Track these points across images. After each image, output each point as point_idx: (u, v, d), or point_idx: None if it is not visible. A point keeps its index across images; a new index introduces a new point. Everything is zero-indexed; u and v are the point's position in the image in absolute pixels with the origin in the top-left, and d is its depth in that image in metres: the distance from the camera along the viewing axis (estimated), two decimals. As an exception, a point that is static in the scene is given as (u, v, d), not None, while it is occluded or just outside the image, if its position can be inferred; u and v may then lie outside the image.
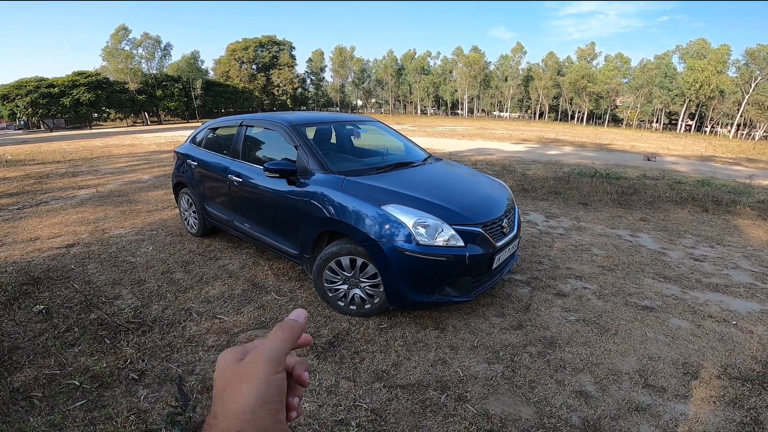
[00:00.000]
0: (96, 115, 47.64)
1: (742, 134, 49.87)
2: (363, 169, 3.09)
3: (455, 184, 3.19)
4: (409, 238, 2.41)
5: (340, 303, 2.86)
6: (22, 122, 42.84)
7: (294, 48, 67.89)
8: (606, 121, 62.04)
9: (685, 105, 52.74)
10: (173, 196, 5.07)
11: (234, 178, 3.60)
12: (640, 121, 60.40)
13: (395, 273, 2.46)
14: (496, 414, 2.03)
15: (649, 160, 14.14)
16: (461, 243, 2.47)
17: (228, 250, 4.22)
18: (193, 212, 4.52)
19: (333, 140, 3.93)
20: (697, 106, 52.97)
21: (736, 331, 2.86)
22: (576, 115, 65.34)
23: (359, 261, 2.65)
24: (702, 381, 2.32)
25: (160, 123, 49.65)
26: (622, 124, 61.23)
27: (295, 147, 3.12)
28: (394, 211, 2.48)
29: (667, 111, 57.51)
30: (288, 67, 66.53)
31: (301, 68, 74.37)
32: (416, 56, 74.20)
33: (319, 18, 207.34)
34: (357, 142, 4.12)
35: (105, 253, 4.18)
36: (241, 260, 3.96)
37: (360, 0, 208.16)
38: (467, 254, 2.47)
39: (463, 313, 2.96)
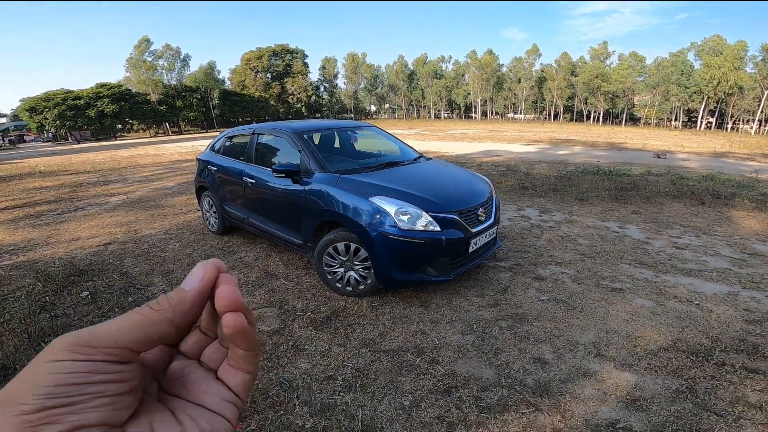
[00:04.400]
0: (120, 126, 49.77)
1: (765, 130, 48.36)
2: (357, 168, 3.54)
3: (437, 179, 3.61)
4: (392, 224, 2.84)
5: (338, 285, 3.30)
6: (50, 134, 45.09)
7: (306, 56, 69.49)
8: (623, 121, 61.00)
9: (703, 102, 51.58)
10: (196, 199, 5.62)
11: (248, 180, 4.10)
12: (659, 119, 59.20)
13: (381, 254, 2.88)
14: (461, 374, 2.40)
15: (659, 157, 14.15)
16: (438, 228, 2.88)
17: (244, 245, 4.72)
18: (214, 212, 5.04)
19: (333, 144, 4.40)
20: (717, 102, 51.74)
21: (696, 310, 3.10)
22: (592, 115, 64.53)
23: (353, 246, 3.10)
24: (650, 353, 2.57)
25: (180, 133, 51.52)
26: (639, 122, 60.08)
27: (299, 151, 3.59)
28: (380, 201, 2.91)
29: (686, 108, 56.28)
30: (301, 75, 68.07)
31: (314, 76, 75.75)
32: (428, 61, 74.69)
33: (329, 25, 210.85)
34: (355, 146, 4.58)
35: (138, 250, 4.74)
36: (256, 253, 4.45)
37: (371, 0, 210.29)
38: (443, 238, 2.87)
39: (446, 294, 3.35)
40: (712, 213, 6.07)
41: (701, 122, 53.88)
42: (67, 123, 41.84)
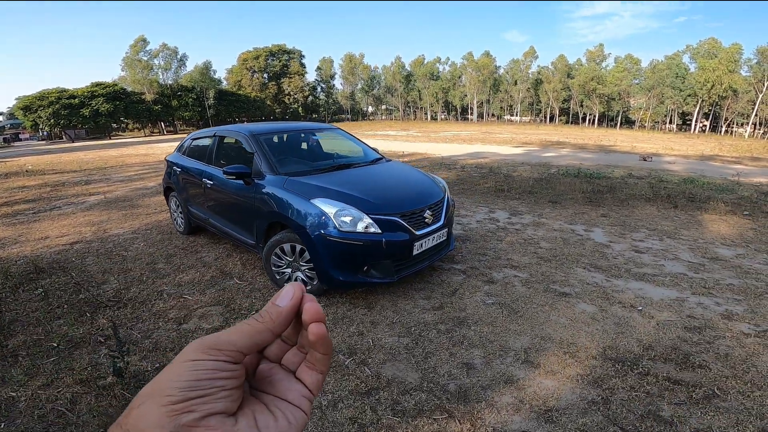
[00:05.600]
0: (115, 125, 49.65)
1: (759, 133, 48.63)
2: (306, 170, 3.57)
3: (386, 181, 3.64)
4: (332, 225, 2.87)
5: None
6: (44, 133, 44.95)
7: (303, 56, 69.39)
8: (618, 123, 61.17)
9: (698, 105, 51.81)
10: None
11: (207, 181, 4.13)
12: (654, 122, 59.38)
13: (322, 255, 2.91)
14: (386, 376, 2.39)
15: (645, 160, 14.19)
16: (378, 230, 2.90)
17: (207, 246, 4.73)
18: (180, 213, 5.06)
19: (294, 147, 4.41)
20: (711, 105, 52.01)
21: (637, 316, 3.04)
22: (587, 118, 64.74)
23: (298, 247, 3.12)
24: (578, 360, 2.50)
25: (175, 132, 51.45)
26: (635, 125, 60.26)
27: (253, 153, 3.62)
28: (320, 203, 2.94)
29: (680, 111, 56.49)
30: (298, 75, 67.97)
31: (311, 76, 75.66)
32: (425, 62, 74.73)
33: (327, 26, 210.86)
34: (315, 148, 4.60)
35: (102, 249, 4.75)
36: (217, 253, 4.46)
37: (372, 0, 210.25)
38: (384, 240, 2.90)
39: (394, 296, 3.37)
40: (683, 216, 6.07)
41: (695, 125, 54.14)
42: (62, 122, 41.73)
